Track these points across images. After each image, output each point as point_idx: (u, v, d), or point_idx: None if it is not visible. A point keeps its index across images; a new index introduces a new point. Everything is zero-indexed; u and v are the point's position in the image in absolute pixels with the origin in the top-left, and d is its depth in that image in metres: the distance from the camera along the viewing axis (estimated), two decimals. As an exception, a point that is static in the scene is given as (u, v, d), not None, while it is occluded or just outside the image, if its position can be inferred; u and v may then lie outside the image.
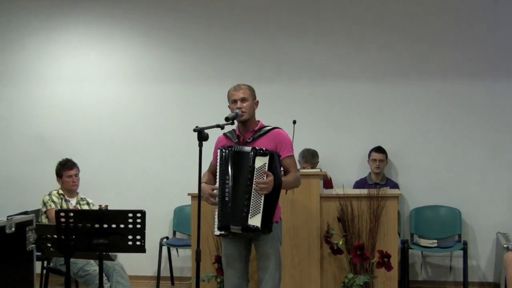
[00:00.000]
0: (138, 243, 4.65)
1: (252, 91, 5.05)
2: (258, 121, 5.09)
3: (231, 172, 4.76)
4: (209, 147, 4.92)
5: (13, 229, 5.09)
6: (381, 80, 7.82)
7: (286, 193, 5.28)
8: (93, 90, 8.22)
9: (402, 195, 7.52)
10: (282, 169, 4.96)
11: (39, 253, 5.60)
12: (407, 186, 7.70)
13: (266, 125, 5.08)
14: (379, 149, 7.62)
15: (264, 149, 4.76)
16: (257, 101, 5.09)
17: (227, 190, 4.76)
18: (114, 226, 4.60)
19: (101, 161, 8.08)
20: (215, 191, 4.81)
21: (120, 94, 8.20)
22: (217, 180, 4.82)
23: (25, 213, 6.44)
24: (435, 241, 7.34)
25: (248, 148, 4.79)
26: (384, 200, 6.09)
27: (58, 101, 8.26)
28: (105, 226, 4.61)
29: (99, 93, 8.21)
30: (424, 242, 7.37)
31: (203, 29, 8.07)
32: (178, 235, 7.95)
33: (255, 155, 4.72)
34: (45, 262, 6.62)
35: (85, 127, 8.19)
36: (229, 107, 5.06)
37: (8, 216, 5.28)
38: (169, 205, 7.90)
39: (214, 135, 5.04)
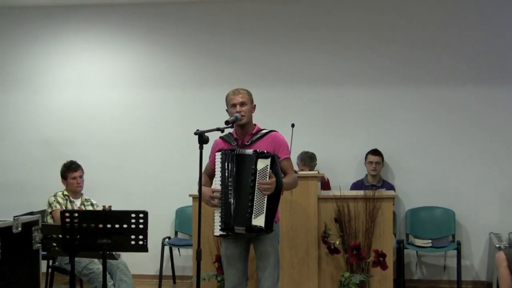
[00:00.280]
0: (140, 242, 4.66)
1: (250, 95, 5.06)
2: (255, 124, 5.09)
3: (234, 174, 4.77)
4: (208, 149, 4.95)
5: (19, 229, 5.11)
6: (377, 86, 7.84)
7: (282, 194, 5.29)
8: (96, 95, 8.25)
9: (398, 197, 7.52)
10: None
11: (45, 252, 5.61)
12: (403, 188, 7.72)
13: (262, 128, 5.09)
14: (375, 152, 7.64)
15: (265, 151, 4.77)
16: (255, 105, 5.09)
17: (230, 192, 4.76)
18: (117, 226, 4.62)
19: (105, 163, 8.10)
20: (215, 193, 4.80)
21: (123, 99, 8.22)
22: (218, 182, 4.82)
23: (31, 213, 6.44)
24: (430, 241, 7.35)
25: (250, 151, 4.79)
26: (380, 202, 6.11)
27: (63, 106, 8.28)
28: (109, 226, 4.63)
29: (102, 98, 8.24)
30: (419, 242, 7.37)
31: (204, 36, 8.10)
32: (179, 235, 7.96)
33: (257, 157, 4.73)
34: (50, 261, 6.63)
35: (89, 131, 8.21)
36: (227, 110, 5.06)
37: (14, 216, 5.29)
38: (171, 206, 7.91)
39: (214, 138, 5.05)
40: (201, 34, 8.11)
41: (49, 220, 6.33)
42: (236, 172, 4.77)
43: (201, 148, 4.64)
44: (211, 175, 5.01)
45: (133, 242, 4.66)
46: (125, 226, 4.63)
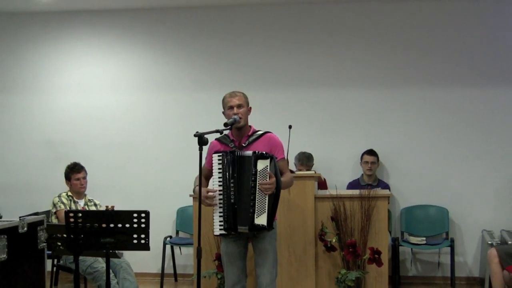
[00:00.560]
0: (142, 241, 4.68)
1: (246, 98, 5.08)
2: (250, 126, 5.11)
3: (235, 175, 4.81)
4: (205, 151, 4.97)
5: (25, 228, 5.12)
6: (373, 87, 7.87)
7: None
8: (98, 98, 8.27)
9: (393, 195, 7.58)
10: None
11: (50, 252, 5.64)
12: (398, 187, 7.76)
13: (257, 129, 5.11)
14: (371, 152, 7.67)
15: (264, 152, 4.81)
16: (250, 108, 5.11)
17: (232, 193, 4.81)
18: (120, 225, 4.65)
19: (107, 164, 8.12)
20: (210, 193, 4.83)
21: (125, 101, 8.24)
22: (217, 183, 4.85)
23: (36, 214, 6.42)
24: (424, 238, 7.39)
25: (249, 153, 4.82)
26: (375, 200, 6.13)
27: (66, 108, 8.31)
28: (112, 225, 4.66)
29: (104, 101, 8.26)
30: (413, 239, 7.41)
31: (204, 40, 8.13)
32: (181, 234, 7.99)
33: (257, 158, 4.77)
34: (55, 260, 6.64)
35: (93, 133, 8.23)
36: (223, 113, 5.09)
37: (20, 217, 5.31)
38: (172, 206, 7.93)
39: (213, 140, 5.09)
40: (201, 38, 8.14)
41: (54, 220, 6.35)
42: (237, 173, 4.80)
43: (200, 149, 4.68)
44: (207, 176, 5.05)
45: (135, 241, 4.68)
46: (127, 225, 4.65)
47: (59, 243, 5.08)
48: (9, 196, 8.18)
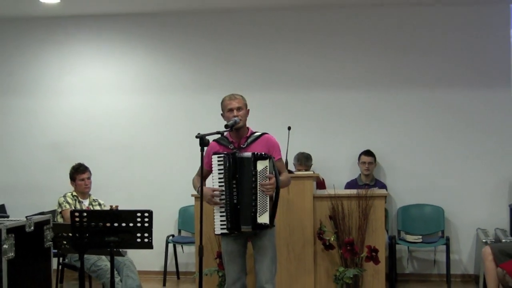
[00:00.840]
0: (146, 240, 4.72)
1: (245, 100, 5.11)
2: (248, 127, 5.15)
3: (236, 176, 4.85)
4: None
5: (32, 228, 5.15)
6: (370, 89, 7.91)
7: None
8: (102, 100, 8.30)
9: (390, 195, 7.61)
10: None
11: (55, 250, 5.66)
12: (395, 187, 7.79)
13: (255, 131, 5.15)
14: (368, 153, 7.71)
15: (263, 153, 4.86)
16: (248, 110, 5.15)
17: (234, 193, 4.86)
18: (124, 224, 4.68)
19: (112, 165, 8.14)
20: (216, 192, 4.87)
21: (128, 104, 8.27)
22: (217, 183, 4.89)
23: (42, 213, 6.45)
24: (420, 237, 7.42)
25: (248, 154, 4.87)
26: (372, 200, 6.14)
27: (71, 111, 8.33)
28: (116, 224, 4.69)
29: (108, 103, 8.29)
30: (410, 238, 7.45)
31: (205, 43, 8.16)
32: (183, 233, 8.02)
33: (256, 159, 4.83)
34: (61, 259, 6.67)
35: (96, 135, 8.26)
36: (222, 115, 5.12)
37: (26, 216, 5.34)
38: (174, 205, 7.96)
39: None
40: (202, 41, 8.17)
41: (59, 220, 6.38)
42: (238, 174, 4.85)
43: (202, 150, 4.73)
44: (204, 176, 5.06)
45: (139, 240, 4.72)
46: (131, 224, 4.69)
47: (65, 242, 5.14)
48: (15, 197, 8.21)
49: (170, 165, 8.12)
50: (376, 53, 7.90)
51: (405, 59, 7.86)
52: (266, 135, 5.15)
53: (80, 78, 8.35)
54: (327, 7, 7.90)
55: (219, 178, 4.90)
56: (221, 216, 4.91)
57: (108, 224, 4.70)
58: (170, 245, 7.82)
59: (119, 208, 5.40)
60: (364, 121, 7.92)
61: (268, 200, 4.83)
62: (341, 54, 7.97)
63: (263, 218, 4.83)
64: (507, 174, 7.56)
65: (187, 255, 7.95)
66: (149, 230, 4.72)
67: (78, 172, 6.62)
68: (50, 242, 5.41)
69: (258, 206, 4.80)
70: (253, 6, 7.92)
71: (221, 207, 4.90)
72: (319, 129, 7.98)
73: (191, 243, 7.59)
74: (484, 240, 6.79)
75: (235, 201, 4.85)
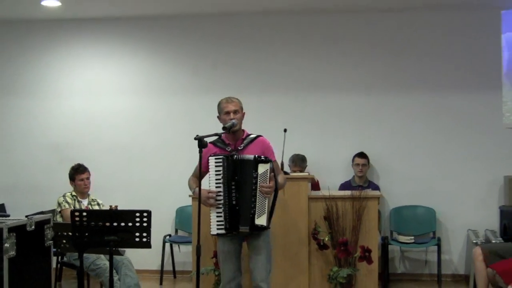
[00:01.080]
0: (144, 239, 4.73)
1: (241, 103, 5.14)
2: (243, 130, 5.17)
3: (236, 178, 4.88)
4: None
5: (33, 227, 5.15)
6: (365, 92, 7.95)
7: None
8: (101, 102, 8.32)
9: (382, 196, 7.61)
10: None
11: (55, 249, 5.68)
12: (388, 188, 7.81)
13: (250, 133, 5.18)
14: (361, 155, 7.74)
15: (264, 157, 4.90)
16: (244, 113, 5.16)
17: (233, 194, 4.88)
18: (123, 224, 4.69)
19: (110, 165, 8.16)
20: (211, 194, 4.88)
21: (127, 106, 8.29)
22: (213, 184, 4.90)
23: (42, 213, 6.47)
24: (412, 237, 7.46)
25: (250, 156, 4.90)
26: (366, 201, 6.17)
27: (71, 112, 8.35)
28: (115, 224, 4.70)
29: (107, 105, 8.31)
30: (402, 238, 7.49)
31: (204, 46, 8.19)
32: (180, 232, 8.03)
33: (258, 162, 4.86)
34: (59, 257, 6.68)
35: (96, 136, 8.27)
36: (218, 117, 5.13)
37: (26, 216, 5.34)
38: (172, 205, 7.97)
39: (211, 143, 5.13)
40: (201, 44, 8.20)
41: (59, 219, 6.39)
42: (238, 176, 4.88)
43: (200, 152, 4.73)
44: (199, 176, 5.04)
45: (137, 239, 4.73)
46: (130, 224, 4.70)
47: (64, 241, 5.16)
48: (15, 196, 8.20)
49: (168, 166, 8.12)
50: (373, 57, 7.94)
51: (402, 63, 7.90)
52: (261, 137, 5.18)
53: (80, 80, 8.37)
54: (325, 12, 7.93)
55: (216, 179, 4.92)
56: (218, 216, 4.93)
57: (107, 224, 4.71)
58: (167, 245, 7.84)
59: (118, 208, 5.41)
60: (358, 123, 7.96)
61: (266, 202, 4.86)
62: (338, 58, 8.01)
63: (261, 220, 4.86)
64: (498, 177, 7.59)
65: (184, 254, 7.95)
66: (148, 229, 4.73)
67: (78, 172, 6.64)
68: (51, 241, 5.40)
69: (257, 207, 4.84)
70: (252, 10, 7.94)
71: (219, 207, 4.91)
72: (314, 131, 8.01)
73: (187, 242, 7.59)
74: (474, 241, 6.83)
75: (233, 202, 4.88)
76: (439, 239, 7.44)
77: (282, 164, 6.36)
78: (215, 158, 4.93)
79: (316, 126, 8.02)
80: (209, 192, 4.91)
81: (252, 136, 5.15)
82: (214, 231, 4.97)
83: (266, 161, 4.87)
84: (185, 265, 7.96)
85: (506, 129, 7.58)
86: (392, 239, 7.61)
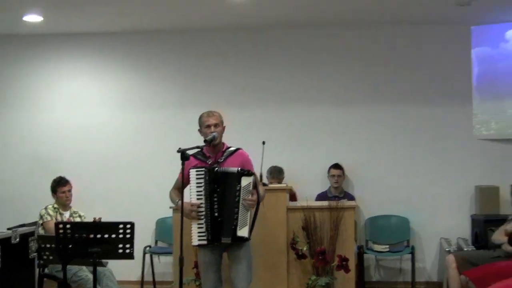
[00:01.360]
0: (127, 251, 4.76)
1: (221, 117, 5.17)
2: (223, 143, 5.20)
3: (218, 190, 4.90)
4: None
5: (17, 239, 5.15)
6: (339, 105, 8.06)
7: None
8: (83, 115, 8.32)
9: (358, 206, 7.66)
10: None
11: (38, 261, 5.65)
12: (362, 198, 7.86)
13: (229, 146, 5.20)
14: (336, 166, 7.80)
15: (247, 170, 4.93)
16: (224, 126, 5.19)
17: (215, 206, 4.90)
18: (106, 236, 4.70)
19: (91, 177, 8.12)
20: (193, 207, 4.89)
21: (108, 118, 8.30)
22: (195, 196, 4.92)
23: (23, 225, 6.44)
24: (387, 246, 7.55)
25: (234, 169, 4.92)
26: (343, 211, 6.19)
27: (53, 124, 8.33)
28: (99, 236, 4.71)
29: (88, 118, 8.30)
30: (377, 247, 7.56)
31: (187, 60, 8.28)
32: (159, 243, 8.02)
33: (241, 175, 4.89)
34: (41, 269, 6.63)
35: (77, 148, 8.25)
36: (199, 130, 5.16)
37: (8, 228, 5.33)
38: (152, 217, 7.97)
39: (194, 155, 5.16)
40: (182, 58, 8.28)
41: (41, 231, 6.35)
42: (221, 188, 4.90)
43: (183, 164, 4.74)
44: (180, 188, 5.03)
45: (120, 251, 4.75)
46: (113, 236, 4.72)
47: (48, 253, 5.14)
48: (-5, 208, 8.14)
49: (148, 178, 8.12)
50: (346, 70, 8.05)
51: (375, 76, 8.02)
52: (240, 150, 5.21)
53: (61, 93, 8.37)
54: (302, 27, 8.03)
55: (198, 192, 4.93)
56: (199, 227, 4.94)
57: (91, 236, 4.71)
58: (147, 256, 7.82)
59: (102, 220, 5.41)
60: (333, 136, 8.04)
61: (248, 214, 4.90)
62: (313, 71, 8.10)
63: (243, 232, 4.89)
64: (469, 187, 7.72)
65: (164, 265, 7.93)
66: (131, 241, 4.76)
67: (60, 185, 6.62)
68: (35, 253, 5.40)
69: (239, 219, 4.87)
70: (230, 25, 8.01)
71: (201, 219, 4.93)
72: (291, 143, 8.07)
73: (168, 253, 7.57)
74: (447, 249, 6.93)
75: (216, 214, 4.90)
76: (413, 248, 7.51)
77: (260, 176, 6.40)
78: (196, 171, 4.95)
79: (293, 138, 8.08)
80: (192, 204, 4.92)
81: (231, 148, 5.18)
82: (195, 242, 4.98)
83: (249, 174, 4.91)
84: (165, 276, 7.92)
85: (476, 140, 7.72)
86: (368, 248, 7.67)
